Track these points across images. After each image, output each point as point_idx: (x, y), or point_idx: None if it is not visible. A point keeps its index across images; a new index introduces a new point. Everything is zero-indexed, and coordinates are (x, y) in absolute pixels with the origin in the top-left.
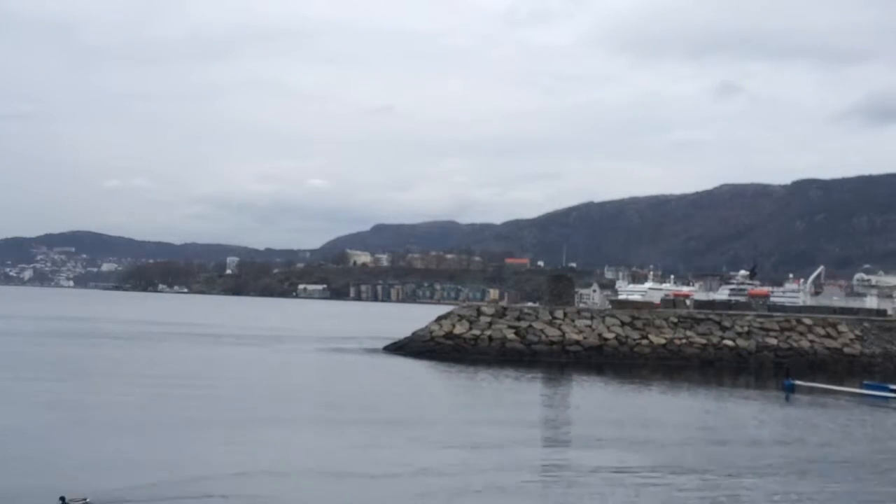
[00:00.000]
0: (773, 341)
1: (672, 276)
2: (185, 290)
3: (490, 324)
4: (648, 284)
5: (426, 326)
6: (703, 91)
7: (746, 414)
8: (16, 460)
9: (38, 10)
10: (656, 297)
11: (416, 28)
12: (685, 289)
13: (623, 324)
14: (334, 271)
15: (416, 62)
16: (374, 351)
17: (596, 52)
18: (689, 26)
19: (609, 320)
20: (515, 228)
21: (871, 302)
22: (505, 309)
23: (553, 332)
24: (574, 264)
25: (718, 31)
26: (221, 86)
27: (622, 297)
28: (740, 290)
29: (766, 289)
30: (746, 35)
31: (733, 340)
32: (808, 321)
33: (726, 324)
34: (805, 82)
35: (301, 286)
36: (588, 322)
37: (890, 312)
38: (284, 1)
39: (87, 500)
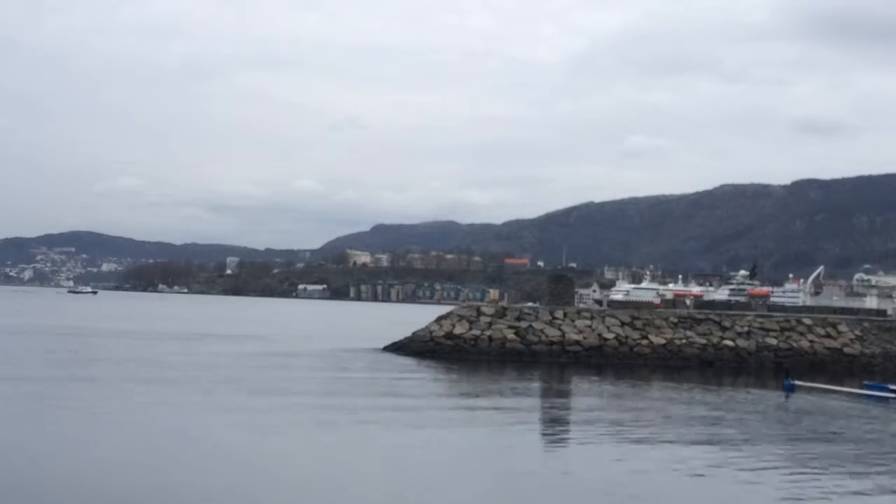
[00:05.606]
0: (773, 341)
1: (679, 277)
2: (185, 290)
3: (490, 324)
4: (640, 284)
5: (426, 326)
6: (663, 103)
7: (745, 409)
8: None
9: (37, 39)
10: (645, 297)
11: (402, 44)
12: (696, 289)
13: (623, 324)
14: (334, 271)
15: (407, 74)
16: (373, 350)
17: (567, 70)
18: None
19: (609, 320)
20: (515, 228)
21: (871, 302)
22: (505, 309)
23: (553, 332)
24: (574, 264)
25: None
26: (216, 96)
27: (610, 297)
28: (740, 290)
29: (766, 289)
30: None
31: (733, 340)
32: (808, 321)
33: (726, 324)
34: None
35: (301, 286)
36: (588, 322)
37: (890, 312)
38: (280, 19)
39: None
